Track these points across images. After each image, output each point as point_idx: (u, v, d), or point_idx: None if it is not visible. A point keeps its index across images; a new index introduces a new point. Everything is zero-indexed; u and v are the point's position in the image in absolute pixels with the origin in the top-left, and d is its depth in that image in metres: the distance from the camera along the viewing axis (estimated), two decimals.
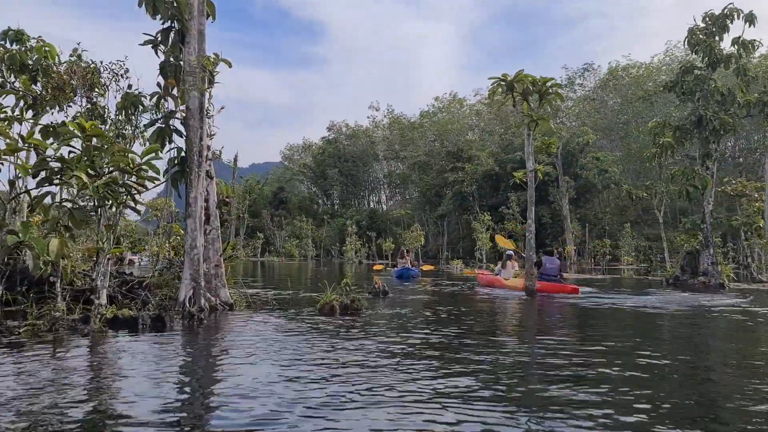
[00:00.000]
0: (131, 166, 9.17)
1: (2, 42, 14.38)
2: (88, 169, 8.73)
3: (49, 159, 8.65)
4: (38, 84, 12.98)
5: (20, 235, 8.02)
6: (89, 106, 11.67)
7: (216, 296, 11.93)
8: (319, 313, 11.54)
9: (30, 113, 12.52)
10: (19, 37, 14.48)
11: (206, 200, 12.02)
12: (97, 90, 11.94)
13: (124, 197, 9.35)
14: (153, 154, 9.65)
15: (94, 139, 8.87)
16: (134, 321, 9.07)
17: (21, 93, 12.51)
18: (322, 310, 11.68)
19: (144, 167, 9.61)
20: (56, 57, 13.45)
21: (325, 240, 79.73)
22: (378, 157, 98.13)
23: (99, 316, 8.97)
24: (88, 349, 7.81)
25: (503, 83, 18.51)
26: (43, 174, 8.67)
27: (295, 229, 79.95)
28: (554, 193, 60.79)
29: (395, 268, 30.67)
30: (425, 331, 9.51)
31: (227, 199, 12.99)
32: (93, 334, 8.59)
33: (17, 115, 12.07)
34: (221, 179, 13.31)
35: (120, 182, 9.05)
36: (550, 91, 18.29)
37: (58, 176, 8.70)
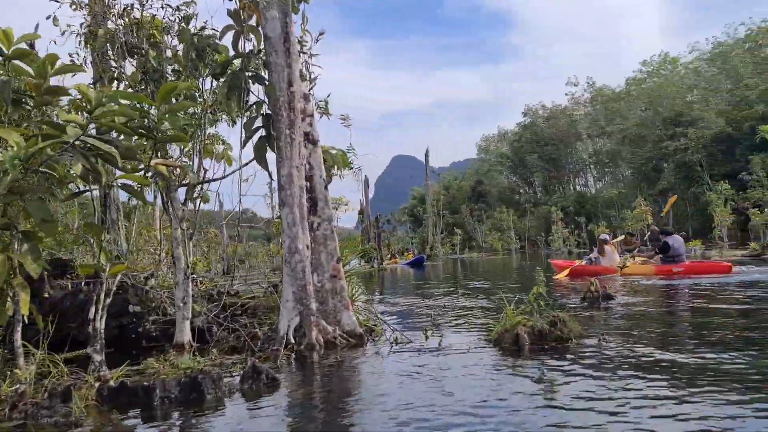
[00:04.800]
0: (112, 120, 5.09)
1: None
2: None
3: None
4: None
5: None
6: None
7: (335, 324, 7.70)
8: (494, 348, 6.60)
9: None
10: None
11: (308, 178, 7.86)
12: (159, 41, 8.39)
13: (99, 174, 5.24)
14: (165, 93, 5.56)
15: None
16: (148, 393, 5.06)
17: None
18: (500, 343, 6.64)
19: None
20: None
21: (529, 231, 73.81)
22: (581, 136, 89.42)
23: (91, 384, 5.10)
24: None
25: None
26: None
27: (496, 222, 75.28)
28: None
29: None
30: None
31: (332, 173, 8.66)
32: (73, 420, 4.72)
33: None
34: (341, 149, 9.09)
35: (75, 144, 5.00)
36: None
37: None
